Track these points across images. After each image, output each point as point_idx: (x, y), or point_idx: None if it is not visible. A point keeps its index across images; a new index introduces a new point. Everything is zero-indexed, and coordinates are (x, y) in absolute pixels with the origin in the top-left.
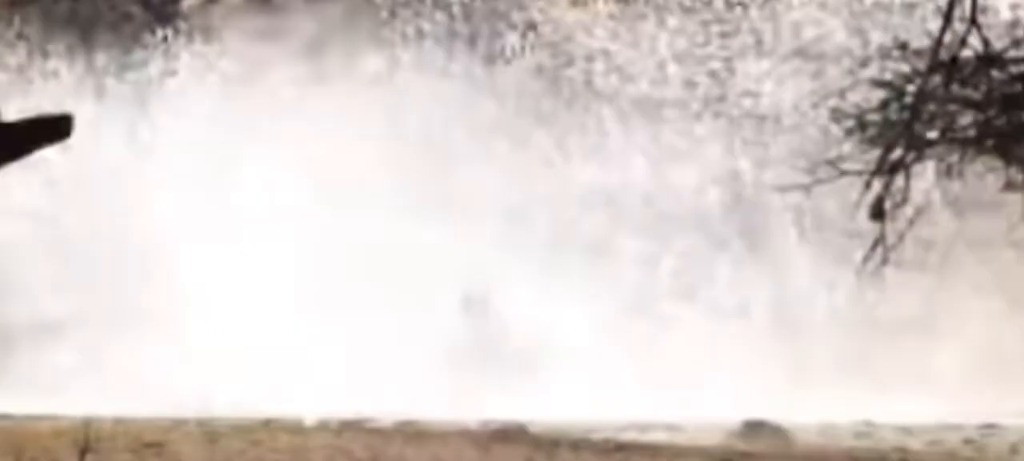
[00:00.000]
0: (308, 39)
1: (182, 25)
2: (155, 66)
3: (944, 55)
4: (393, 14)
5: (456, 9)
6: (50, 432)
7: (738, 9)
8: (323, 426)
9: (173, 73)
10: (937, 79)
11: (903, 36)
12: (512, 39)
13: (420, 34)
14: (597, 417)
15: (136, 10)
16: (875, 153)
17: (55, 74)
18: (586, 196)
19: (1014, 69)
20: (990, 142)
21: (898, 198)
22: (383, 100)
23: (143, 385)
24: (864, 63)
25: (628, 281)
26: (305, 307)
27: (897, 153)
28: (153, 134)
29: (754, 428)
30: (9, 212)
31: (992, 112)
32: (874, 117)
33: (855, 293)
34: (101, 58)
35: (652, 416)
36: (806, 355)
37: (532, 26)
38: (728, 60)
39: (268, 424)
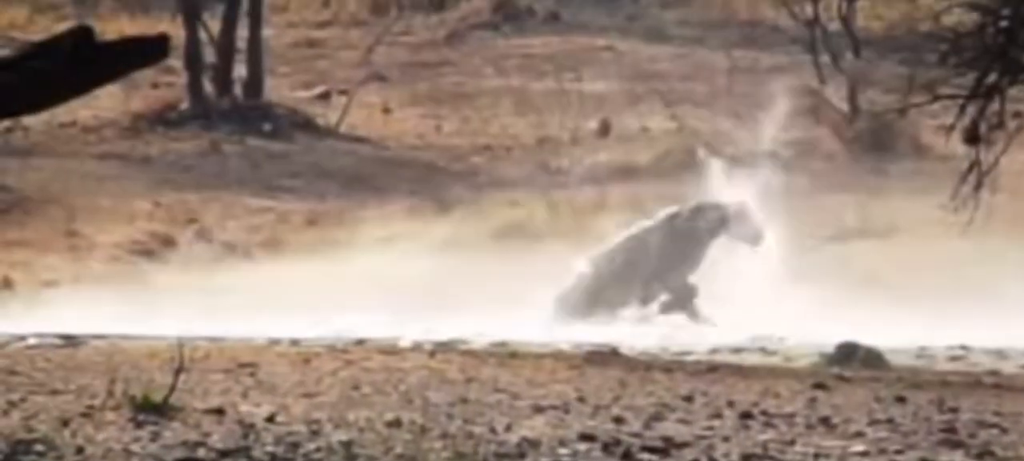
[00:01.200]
0: None
1: None
2: None
3: None
4: None
5: None
6: (145, 352)
7: None
8: (417, 347)
9: None
10: None
11: None
12: None
13: None
14: (689, 339)
15: None
16: (970, 78)
17: None
18: None
19: None
20: None
21: (993, 122)
22: None
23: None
24: None
25: None
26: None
27: (992, 77)
28: None
29: (848, 351)
30: None
31: None
32: (969, 41)
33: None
34: None
35: (746, 338)
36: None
37: None
38: None
39: (362, 344)
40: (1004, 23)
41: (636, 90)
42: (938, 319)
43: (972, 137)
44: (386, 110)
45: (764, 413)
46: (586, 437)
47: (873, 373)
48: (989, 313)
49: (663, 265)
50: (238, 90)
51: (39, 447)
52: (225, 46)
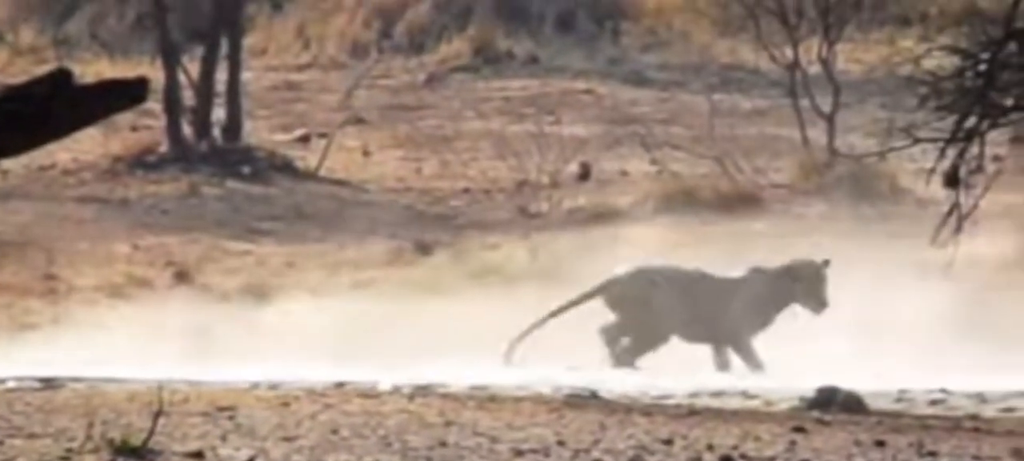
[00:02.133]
0: None
1: None
2: None
3: (1019, 23)
4: None
5: None
6: (123, 395)
7: None
8: (396, 391)
9: None
10: (1012, 47)
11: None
12: None
13: None
14: (669, 383)
15: None
16: (949, 121)
17: None
18: None
19: None
20: None
21: (973, 165)
22: None
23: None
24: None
25: None
26: None
27: (971, 121)
28: None
29: (828, 395)
30: None
31: None
32: (949, 84)
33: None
34: None
35: (726, 382)
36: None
37: None
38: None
39: (341, 388)
40: (983, 66)
41: (616, 133)
42: (918, 363)
43: (952, 180)
44: (366, 153)
45: (744, 456)
46: None
47: (852, 417)
48: (969, 357)
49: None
50: (217, 133)
51: None
52: (204, 89)
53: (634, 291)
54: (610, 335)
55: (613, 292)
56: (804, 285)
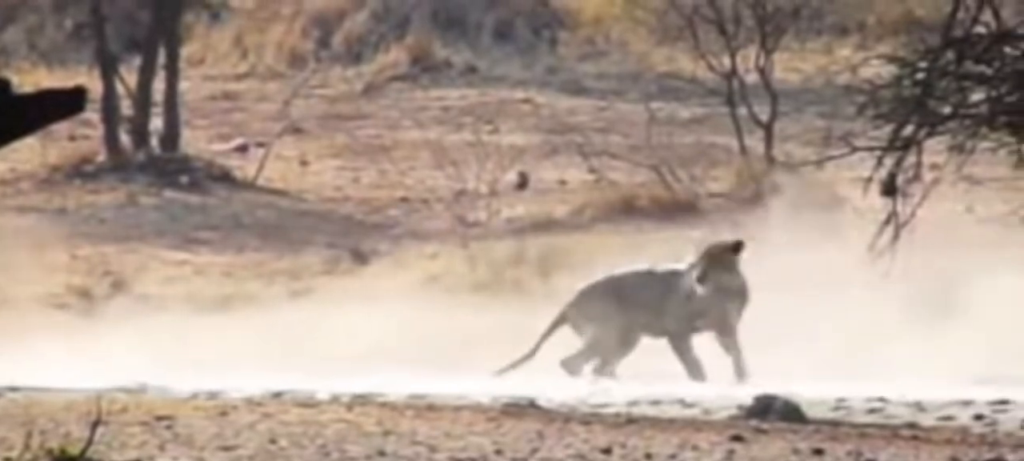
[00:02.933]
0: None
1: None
2: None
3: (957, 31)
4: None
5: None
6: (62, 404)
7: None
8: (335, 400)
9: None
10: (949, 55)
11: (916, 12)
12: None
13: None
14: (608, 392)
15: None
16: (887, 129)
17: None
18: None
19: None
20: (1002, 119)
21: (911, 174)
22: None
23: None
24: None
25: None
26: None
27: (909, 129)
28: None
29: (766, 403)
30: None
31: (1004, 89)
32: (886, 93)
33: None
34: None
35: (664, 391)
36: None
37: None
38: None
39: (279, 397)
40: (921, 75)
41: (554, 142)
42: (856, 371)
43: (889, 189)
44: (304, 162)
45: None
46: None
47: (791, 425)
48: (908, 365)
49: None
50: (155, 143)
51: None
52: (142, 98)
53: (604, 301)
54: (572, 365)
55: (584, 306)
56: (716, 266)
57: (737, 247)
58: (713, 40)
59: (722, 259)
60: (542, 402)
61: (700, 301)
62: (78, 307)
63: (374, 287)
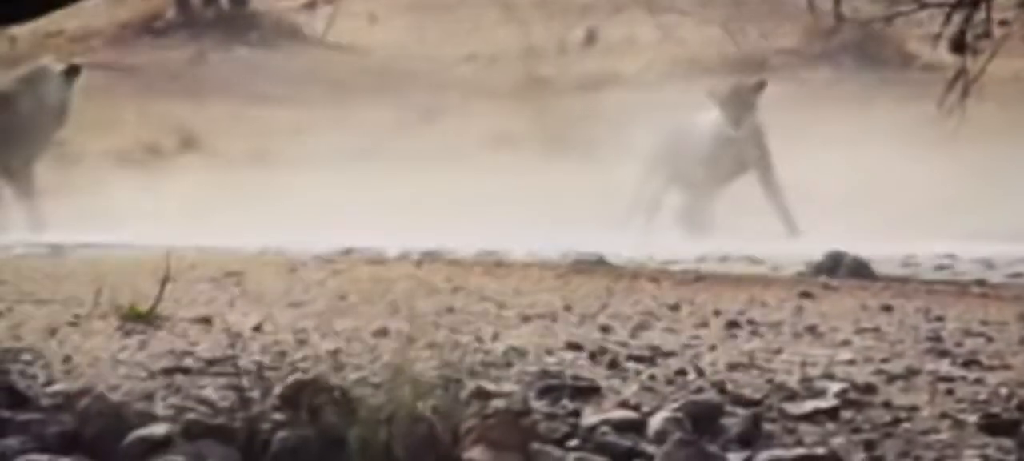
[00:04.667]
0: None
1: None
2: None
3: None
4: None
5: None
6: (131, 261)
7: None
8: (404, 256)
9: None
10: None
11: None
12: None
13: None
14: (676, 248)
15: None
16: None
17: None
18: None
19: None
20: None
21: (979, 30)
22: None
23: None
24: None
25: None
26: None
27: None
28: None
29: (834, 260)
30: None
31: None
32: None
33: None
34: None
35: (732, 247)
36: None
37: None
38: None
39: (349, 253)
40: None
41: None
42: (925, 229)
43: (958, 45)
44: (372, 19)
45: (751, 322)
46: (573, 345)
47: (859, 282)
48: (976, 222)
49: None
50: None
51: (26, 356)
52: None
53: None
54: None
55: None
56: (747, 107)
57: (760, 86)
58: None
59: (749, 100)
60: (610, 259)
61: (740, 145)
62: (148, 163)
63: (443, 144)
